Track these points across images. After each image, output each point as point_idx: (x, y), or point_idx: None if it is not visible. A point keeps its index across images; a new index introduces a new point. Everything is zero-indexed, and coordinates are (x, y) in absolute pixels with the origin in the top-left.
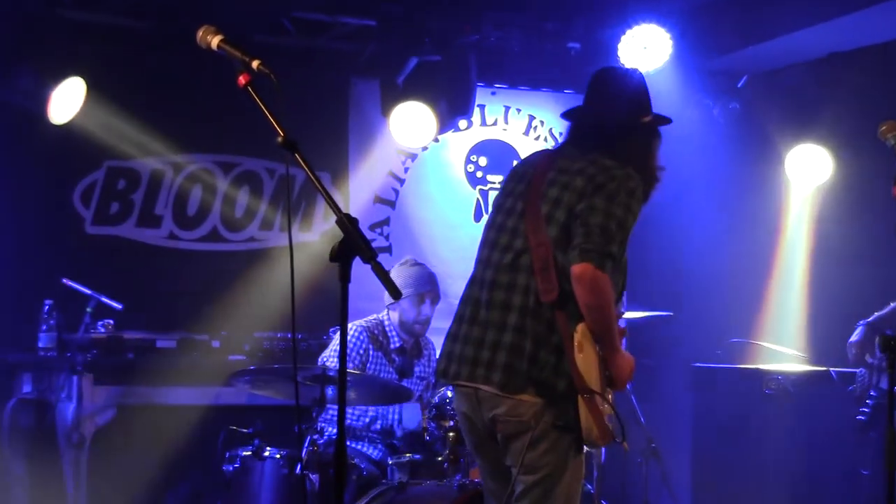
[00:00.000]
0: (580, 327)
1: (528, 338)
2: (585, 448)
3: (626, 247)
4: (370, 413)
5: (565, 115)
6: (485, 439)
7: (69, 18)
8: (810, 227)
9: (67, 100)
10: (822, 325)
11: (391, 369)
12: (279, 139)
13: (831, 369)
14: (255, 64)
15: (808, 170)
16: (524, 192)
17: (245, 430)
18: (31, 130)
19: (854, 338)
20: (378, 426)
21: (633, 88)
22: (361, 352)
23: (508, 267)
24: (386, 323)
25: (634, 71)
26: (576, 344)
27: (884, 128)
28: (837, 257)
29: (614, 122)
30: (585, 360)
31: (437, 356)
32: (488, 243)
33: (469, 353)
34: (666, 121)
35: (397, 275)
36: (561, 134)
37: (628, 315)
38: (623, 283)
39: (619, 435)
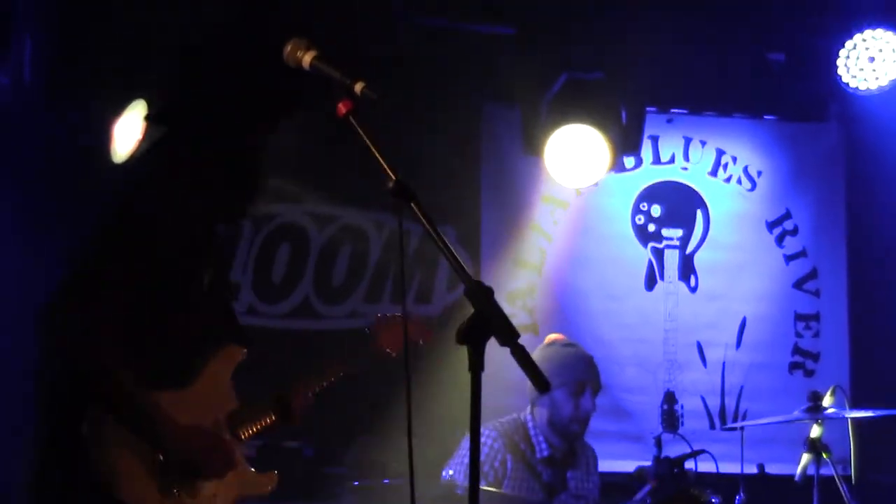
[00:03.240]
0: (91, 412)
1: (37, 444)
2: None
3: (167, 289)
4: None
5: None
6: None
7: (127, 34)
8: None
9: (129, 132)
10: None
11: (537, 486)
12: (390, 184)
13: None
14: (358, 87)
15: None
16: None
17: None
18: (84, 173)
19: None
20: None
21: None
22: (497, 464)
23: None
24: (529, 425)
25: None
26: (85, 435)
27: None
28: None
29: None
30: (100, 453)
31: None
32: None
33: None
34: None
35: (543, 359)
36: (760, 173)
37: (854, 414)
38: (185, 338)
39: None
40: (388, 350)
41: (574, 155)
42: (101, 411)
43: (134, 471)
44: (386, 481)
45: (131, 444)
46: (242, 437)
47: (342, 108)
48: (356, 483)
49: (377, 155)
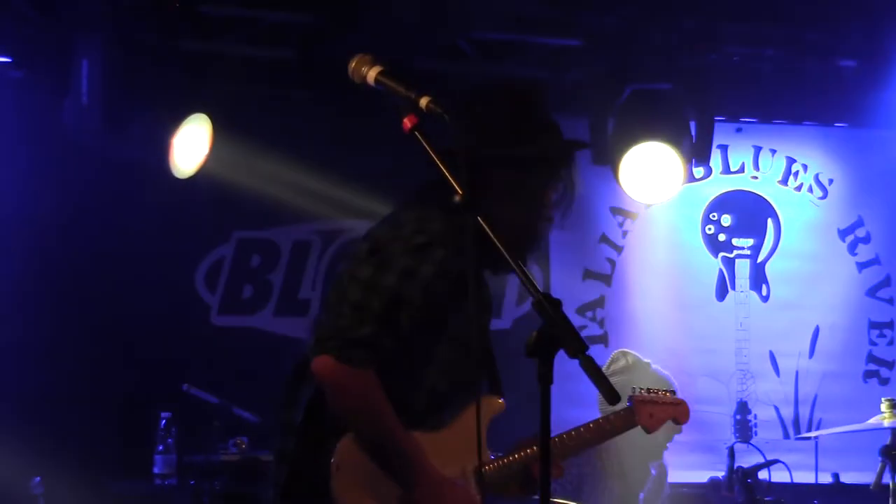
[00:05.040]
0: (343, 443)
1: (286, 466)
2: None
3: (448, 326)
4: None
5: None
6: None
7: (189, 50)
8: None
9: (191, 147)
10: None
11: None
12: (457, 199)
13: None
14: (423, 102)
15: None
16: None
17: None
18: (144, 191)
19: None
20: None
21: (506, 104)
22: (572, 476)
23: (296, 376)
24: None
25: (516, 88)
26: (333, 466)
27: None
28: None
29: (468, 156)
30: (344, 486)
31: None
32: None
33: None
34: (574, 146)
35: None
36: (831, 181)
37: None
38: (445, 381)
39: None
40: (647, 427)
41: (648, 171)
42: (356, 441)
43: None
44: None
45: (379, 480)
46: (488, 489)
47: (408, 123)
48: None
49: (444, 170)
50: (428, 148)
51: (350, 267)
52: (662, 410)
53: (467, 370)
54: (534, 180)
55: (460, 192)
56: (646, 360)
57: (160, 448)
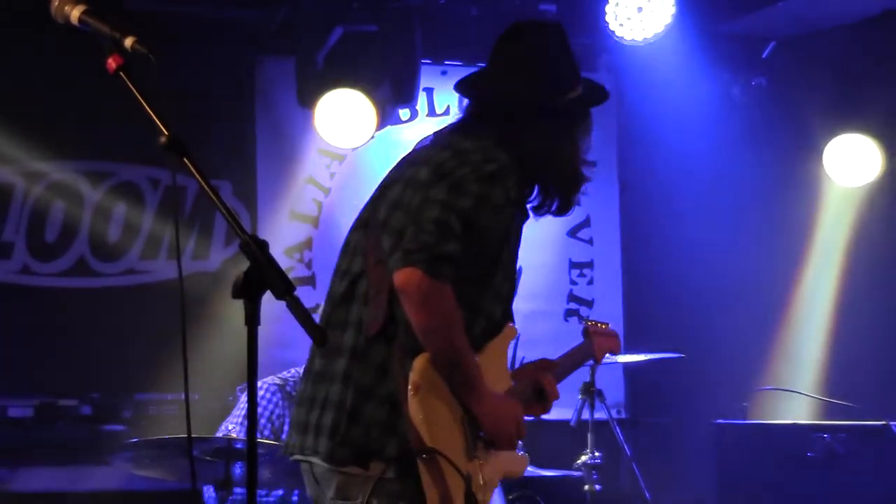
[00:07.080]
0: (418, 363)
1: (351, 389)
2: None
3: (503, 255)
4: (294, 499)
5: (459, 87)
6: None
7: None
8: (849, 237)
9: None
10: (873, 365)
11: None
12: (163, 139)
13: (892, 423)
14: (128, 42)
15: (852, 166)
16: (375, 195)
17: None
18: None
19: None
20: None
21: (552, 52)
22: (275, 417)
23: (342, 298)
24: None
25: (555, 27)
26: (410, 386)
27: None
28: (882, 274)
29: (519, 100)
30: (423, 406)
31: None
32: (335, 270)
33: (301, 417)
34: (602, 97)
35: None
36: None
37: (626, 359)
38: (499, 308)
39: None
40: (597, 360)
41: (342, 117)
42: (430, 360)
43: (454, 424)
44: (166, 438)
45: (451, 399)
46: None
47: (112, 63)
48: (134, 440)
49: (149, 110)
50: (133, 88)
51: (415, 190)
52: (606, 342)
53: (510, 297)
54: (575, 126)
55: (166, 132)
56: None
57: None
